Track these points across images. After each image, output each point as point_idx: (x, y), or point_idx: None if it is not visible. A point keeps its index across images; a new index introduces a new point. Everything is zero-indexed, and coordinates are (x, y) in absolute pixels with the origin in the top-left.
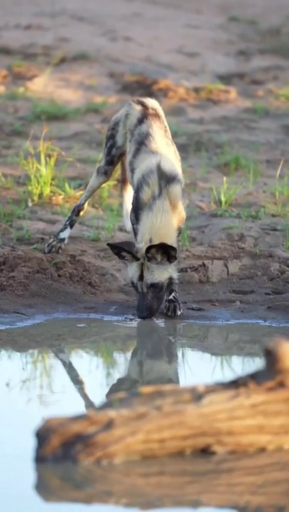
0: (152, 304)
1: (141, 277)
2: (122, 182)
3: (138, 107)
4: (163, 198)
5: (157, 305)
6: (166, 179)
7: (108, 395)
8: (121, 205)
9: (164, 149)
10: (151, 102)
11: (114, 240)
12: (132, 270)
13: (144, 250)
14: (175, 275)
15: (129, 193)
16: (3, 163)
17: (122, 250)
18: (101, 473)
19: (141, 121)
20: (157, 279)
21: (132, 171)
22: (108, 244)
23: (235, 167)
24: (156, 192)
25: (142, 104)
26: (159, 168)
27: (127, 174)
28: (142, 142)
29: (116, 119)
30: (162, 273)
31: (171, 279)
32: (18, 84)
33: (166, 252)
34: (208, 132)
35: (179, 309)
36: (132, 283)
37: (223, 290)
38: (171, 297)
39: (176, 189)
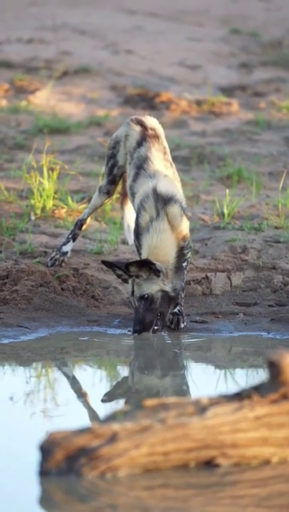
0: (144, 317)
1: (133, 292)
2: (123, 195)
3: (137, 128)
4: (160, 219)
5: (151, 318)
6: (162, 201)
7: (112, 408)
8: (122, 218)
9: (162, 172)
10: (151, 122)
11: (118, 253)
12: (128, 287)
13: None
14: (168, 288)
15: (129, 207)
16: (5, 177)
17: (115, 267)
18: (105, 486)
19: (140, 144)
20: (145, 291)
21: (133, 195)
22: (102, 262)
23: (238, 179)
24: (154, 215)
25: (141, 124)
26: (154, 191)
27: (128, 196)
28: (141, 166)
29: (116, 138)
30: (150, 286)
31: (164, 292)
32: (20, 97)
33: (150, 268)
34: (210, 145)
35: (183, 322)
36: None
37: (226, 302)
38: (175, 310)
39: (174, 209)
